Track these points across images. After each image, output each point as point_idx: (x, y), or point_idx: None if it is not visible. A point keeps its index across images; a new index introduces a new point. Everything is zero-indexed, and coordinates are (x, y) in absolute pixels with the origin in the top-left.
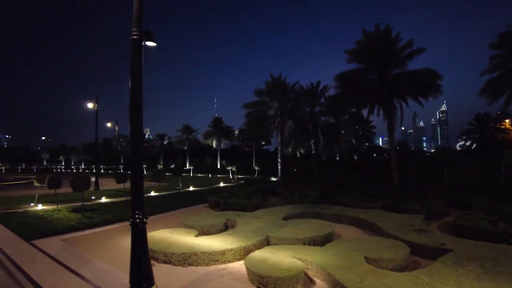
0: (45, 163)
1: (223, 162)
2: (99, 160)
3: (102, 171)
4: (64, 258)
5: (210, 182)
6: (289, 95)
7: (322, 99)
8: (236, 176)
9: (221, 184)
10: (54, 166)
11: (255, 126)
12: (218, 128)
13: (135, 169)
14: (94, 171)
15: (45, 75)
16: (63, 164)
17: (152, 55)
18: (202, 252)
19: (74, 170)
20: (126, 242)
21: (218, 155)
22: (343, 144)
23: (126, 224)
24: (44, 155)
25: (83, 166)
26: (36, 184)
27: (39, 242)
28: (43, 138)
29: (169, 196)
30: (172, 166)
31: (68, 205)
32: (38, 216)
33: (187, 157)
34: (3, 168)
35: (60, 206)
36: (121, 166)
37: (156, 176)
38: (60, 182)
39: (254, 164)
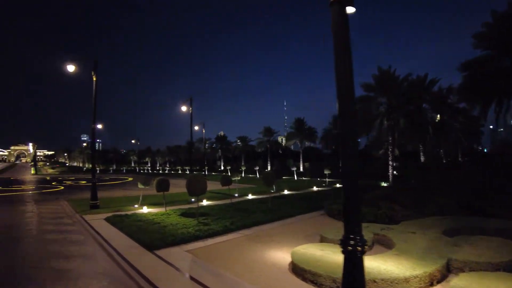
0: (133, 165)
1: (306, 164)
2: (182, 162)
3: (188, 172)
4: (201, 276)
5: (300, 185)
6: (399, 89)
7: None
8: (327, 180)
9: (314, 188)
10: (141, 167)
11: (359, 125)
12: (301, 129)
13: (350, 179)
14: (179, 172)
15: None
16: (149, 165)
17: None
18: (382, 280)
19: (160, 171)
20: (259, 255)
21: (301, 157)
22: (451, 144)
23: (248, 232)
24: (132, 157)
25: (168, 168)
26: (140, 186)
27: (163, 253)
28: (133, 141)
29: (272, 201)
30: (257, 168)
31: (173, 207)
32: (150, 220)
33: (268, 159)
34: (97, 169)
35: (168, 209)
36: (206, 168)
37: (266, 180)
38: (168, 185)
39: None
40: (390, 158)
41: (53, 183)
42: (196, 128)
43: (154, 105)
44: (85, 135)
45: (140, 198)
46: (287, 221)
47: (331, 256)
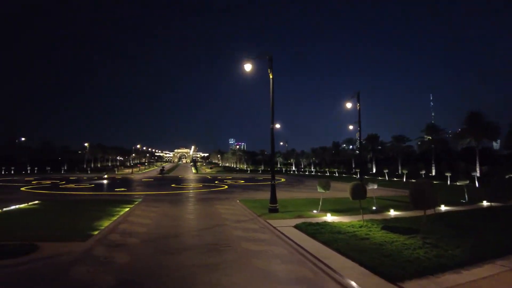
0: (279, 166)
1: (483, 168)
2: (327, 163)
3: (336, 174)
4: None
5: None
6: None
7: None
8: None
9: None
10: (286, 168)
11: None
12: (477, 125)
13: None
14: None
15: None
16: (293, 167)
17: None
18: None
19: (307, 173)
20: None
21: (477, 160)
22: None
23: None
24: (278, 158)
25: (312, 169)
26: (320, 189)
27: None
28: (281, 143)
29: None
30: (423, 172)
31: (355, 217)
32: (351, 233)
33: (433, 162)
34: (248, 169)
35: (365, 221)
36: (359, 171)
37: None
38: (365, 192)
39: None
40: None
41: (215, 182)
42: (351, 127)
43: (298, 106)
44: (232, 139)
45: (320, 203)
46: None
47: None
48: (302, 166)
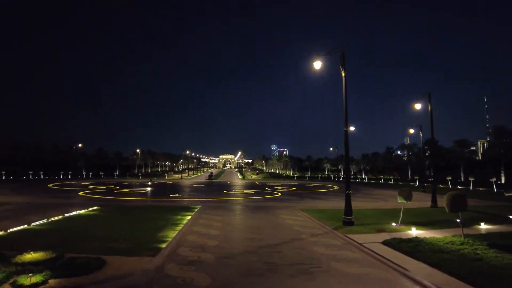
0: (326, 172)
1: None
2: (379, 170)
3: (392, 182)
4: None
5: None
6: None
7: None
8: None
9: None
10: (335, 175)
11: None
12: None
13: None
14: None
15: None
16: (341, 173)
17: None
18: None
19: (358, 180)
20: None
21: None
22: None
23: None
24: (326, 164)
25: (364, 176)
26: (400, 200)
27: None
28: (331, 149)
29: None
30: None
31: (462, 233)
32: (455, 251)
33: (502, 169)
34: (294, 175)
35: (463, 236)
36: (417, 178)
37: None
38: (466, 203)
39: None
40: None
41: (266, 189)
42: (411, 131)
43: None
44: (274, 145)
45: (401, 215)
46: None
47: None
48: (352, 173)
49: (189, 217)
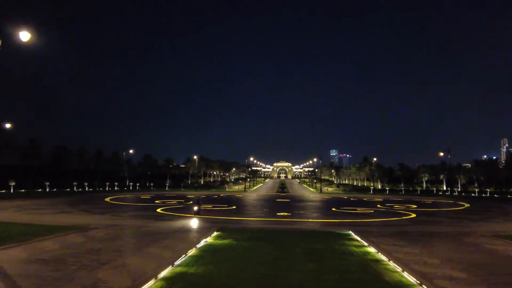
0: (425, 185)
1: None
2: (499, 181)
3: None
4: None
5: None
6: None
7: None
8: None
9: None
10: (435, 188)
11: None
12: None
13: None
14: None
15: None
16: (443, 185)
17: None
18: None
19: (474, 194)
20: None
21: None
22: None
23: None
24: (423, 174)
25: (476, 188)
26: None
27: None
28: (443, 153)
29: None
30: None
31: None
32: None
33: None
34: (387, 188)
35: None
36: None
37: None
38: None
39: None
40: None
41: (378, 205)
42: None
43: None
44: (334, 150)
45: None
46: None
47: None
48: (460, 185)
49: (370, 253)
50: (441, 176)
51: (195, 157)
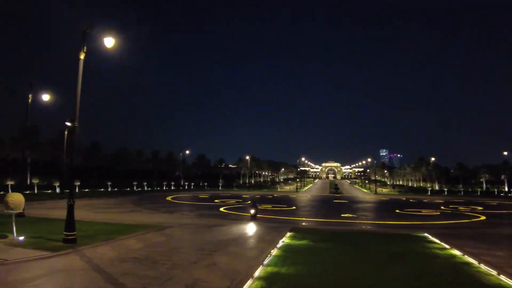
0: (484, 185)
1: None
2: None
3: None
4: None
5: None
6: None
7: None
8: None
9: None
10: (496, 189)
11: None
12: None
13: None
14: None
15: None
16: (505, 187)
17: None
18: None
19: None
20: None
21: None
22: None
23: None
24: (483, 175)
25: None
26: None
27: None
28: (505, 153)
29: None
30: None
31: None
32: None
33: None
34: (445, 189)
35: None
36: None
37: None
38: None
39: None
40: None
41: (448, 208)
42: None
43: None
44: (384, 150)
45: None
46: None
47: None
48: None
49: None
50: (502, 177)
51: (247, 157)
